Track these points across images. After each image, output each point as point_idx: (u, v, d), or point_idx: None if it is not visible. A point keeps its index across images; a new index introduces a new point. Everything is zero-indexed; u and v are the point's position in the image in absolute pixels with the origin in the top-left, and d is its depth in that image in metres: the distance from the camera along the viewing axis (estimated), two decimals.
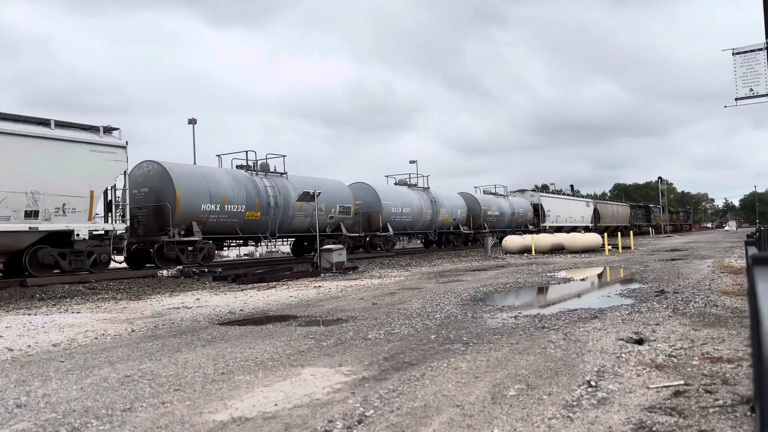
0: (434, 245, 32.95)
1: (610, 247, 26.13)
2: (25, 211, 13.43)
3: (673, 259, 18.28)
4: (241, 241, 22.28)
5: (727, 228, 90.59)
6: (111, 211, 15.57)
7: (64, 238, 14.50)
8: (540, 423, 3.44)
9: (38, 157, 13.74)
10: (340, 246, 18.67)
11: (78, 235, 14.55)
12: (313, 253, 21.78)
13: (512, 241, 26.93)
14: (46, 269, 14.51)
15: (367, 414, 3.71)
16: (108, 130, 15.78)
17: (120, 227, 15.60)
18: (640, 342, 5.59)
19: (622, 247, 26.98)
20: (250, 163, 21.82)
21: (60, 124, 14.68)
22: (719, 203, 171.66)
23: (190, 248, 18.17)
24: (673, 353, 5.07)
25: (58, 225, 14.10)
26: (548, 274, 14.50)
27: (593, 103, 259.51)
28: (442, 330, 6.71)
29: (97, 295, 12.56)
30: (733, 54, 16.02)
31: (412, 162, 41.99)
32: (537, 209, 42.86)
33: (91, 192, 14.75)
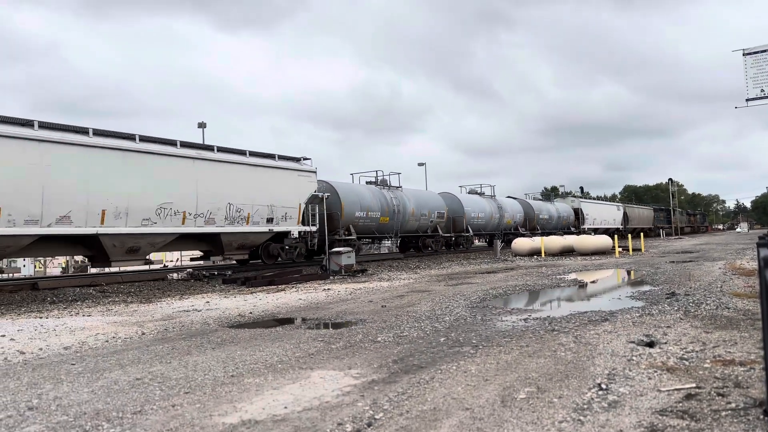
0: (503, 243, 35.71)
1: (620, 249, 25.98)
2: (267, 218, 19.42)
3: (684, 261, 18.15)
4: (370, 240, 28.67)
5: (738, 229, 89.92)
6: (307, 218, 21.40)
7: (282, 236, 20.31)
8: (550, 426, 3.43)
9: (272, 181, 19.73)
10: (349, 249, 18.69)
11: (292, 234, 20.52)
12: (411, 249, 29.42)
13: (521, 243, 26.85)
14: (271, 258, 20.34)
15: (376, 417, 3.71)
16: (304, 159, 21.45)
17: (313, 229, 21.46)
18: (651, 345, 5.55)
19: (633, 249, 26.82)
20: (376, 179, 27.68)
21: (281, 157, 20.62)
22: (730, 205, 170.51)
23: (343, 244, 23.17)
24: (685, 356, 5.04)
25: (282, 227, 20.02)
26: (558, 277, 14.44)
27: (601, 105, 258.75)
28: (451, 333, 6.70)
29: (108, 298, 12.64)
30: (743, 54, 15.92)
31: (420, 164, 42.28)
32: (577, 213, 47.68)
33: (299, 204, 20.78)
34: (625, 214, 57.23)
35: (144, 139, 15.98)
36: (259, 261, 20.30)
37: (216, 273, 18.10)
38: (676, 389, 4.06)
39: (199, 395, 4.39)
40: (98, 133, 14.96)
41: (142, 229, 15.56)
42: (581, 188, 73.08)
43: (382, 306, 9.48)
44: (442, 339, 6.33)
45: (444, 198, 31.89)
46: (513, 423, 3.50)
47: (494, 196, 37.09)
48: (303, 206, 21.02)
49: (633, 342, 5.71)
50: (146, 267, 25.06)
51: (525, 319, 7.53)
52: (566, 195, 52.79)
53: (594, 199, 60.41)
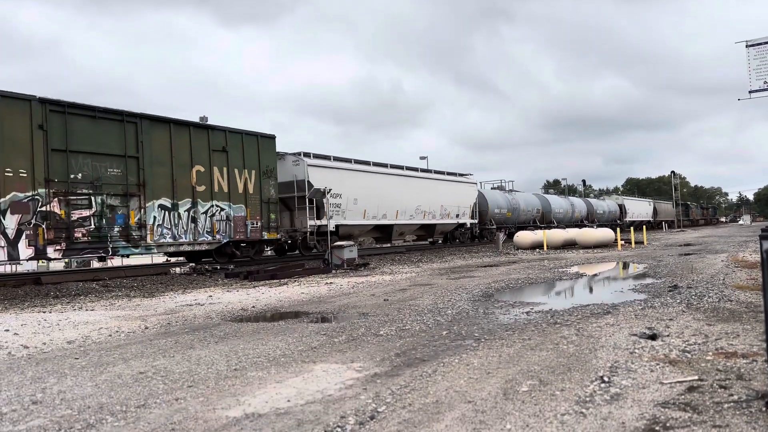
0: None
1: (622, 242, 25.94)
2: (455, 214, 30.75)
3: (686, 254, 18.14)
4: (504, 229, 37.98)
5: (741, 222, 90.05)
6: (474, 214, 32.53)
7: (461, 226, 31.72)
8: (552, 419, 3.43)
9: (458, 190, 31.17)
10: (351, 243, 18.70)
11: (467, 225, 32.18)
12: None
13: (524, 236, 26.82)
14: (454, 240, 31.94)
15: (379, 410, 3.72)
16: (469, 175, 33.23)
17: (475, 221, 32.82)
18: (653, 337, 5.55)
19: (635, 242, 26.78)
20: (500, 185, 41.05)
21: (460, 174, 32.41)
22: (733, 197, 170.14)
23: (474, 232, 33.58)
24: (687, 348, 5.04)
25: (462, 220, 31.47)
26: (560, 270, 14.44)
27: (603, 98, 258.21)
28: (453, 326, 6.71)
29: (111, 293, 12.67)
30: (747, 46, 15.85)
31: (422, 158, 42.45)
32: (621, 209, 56.45)
33: (470, 205, 32.22)
34: (654, 208, 67.77)
35: (409, 168, 28.44)
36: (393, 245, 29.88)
37: (218, 267, 18.14)
38: (679, 382, 4.06)
39: (202, 389, 4.41)
40: (392, 165, 26.96)
41: (409, 221, 27.24)
42: (583, 181, 73.26)
43: (385, 299, 9.49)
44: (445, 332, 6.34)
45: (539, 198, 42.80)
46: (515, 415, 3.51)
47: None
48: (472, 206, 32.42)
49: (635, 335, 5.72)
50: (148, 261, 25.13)
51: (527, 312, 7.54)
52: (611, 193, 69.75)
53: (633, 196, 73.99)
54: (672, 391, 3.86)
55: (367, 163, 25.38)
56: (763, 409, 3.43)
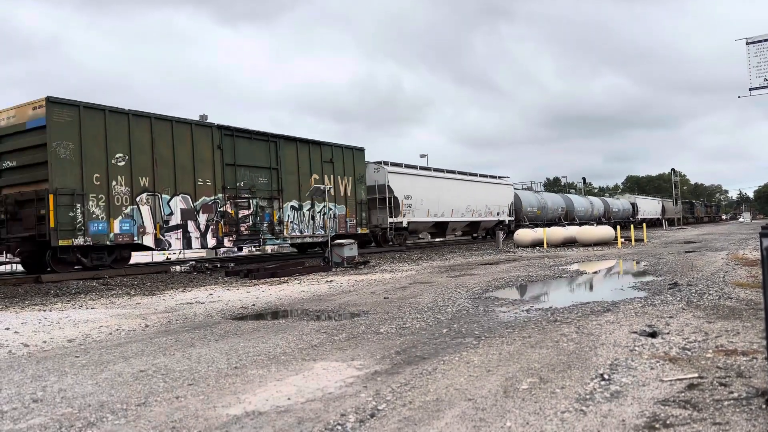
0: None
1: (622, 239, 25.92)
2: (496, 212, 34.79)
3: (686, 252, 18.14)
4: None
5: (741, 219, 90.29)
6: (511, 211, 36.90)
7: (500, 223, 35.22)
8: (553, 416, 3.44)
9: (498, 191, 35.49)
10: (351, 240, 18.70)
11: (505, 221, 36.00)
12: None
13: (524, 234, 26.79)
14: (488, 235, 35.65)
15: (379, 408, 3.72)
16: (506, 177, 38.36)
17: (512, 218, 36.78)
18: (653, 335, 5.56)
19: (635, 240, 26.76)
20: (530, 186, 47.39)
21: (499, 177, 37.04)
22: (733, 195, 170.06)
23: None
24: (687, 346, 5.04)
25: (501, 218, 35.40)
26: (560, 268, 14.44)
27: (602, 96, 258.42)
28: (453, 324, 6.71)
29: (111, 291, 12.67)
30: (747, 43, 15.82)
31: (422, 156, 42.66)
32: (634, 207, 60.50)
33: (508, 204, 36.32)
34: (663, 206, 71.82)
35: (461, 172, 32.35)
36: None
37: (218, 265, 18.14)
38: (679, 379, 4.06)
39: (202, 387, 4.41)
40: (448, 171, 31.18)
41: (460, 218, 31.52)
42: (583, 179, 73.47)
43: (385, 297, 9.50)
44: (445, 330, 6.34)
45: (563, 198, 46.69)
46: (515, 413, 3.52)
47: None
48: (509, 205, 36.80)
49: (635, 332, 5.72)
50: (149, 260, 25.12)
51: (527, 310, 7.54)
52: (624, 192, 74.55)
53: (645, 195, 77.21)
54: (672, 389, 3.86)
55: (428, 168, 30.44)
56: (763, 406, 3.43)
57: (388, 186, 25.57)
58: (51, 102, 14.13)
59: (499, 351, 5.18)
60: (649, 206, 66.61)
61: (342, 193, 22.86)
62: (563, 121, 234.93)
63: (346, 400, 3.90)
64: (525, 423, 3.35)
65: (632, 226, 31.38)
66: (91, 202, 14.70)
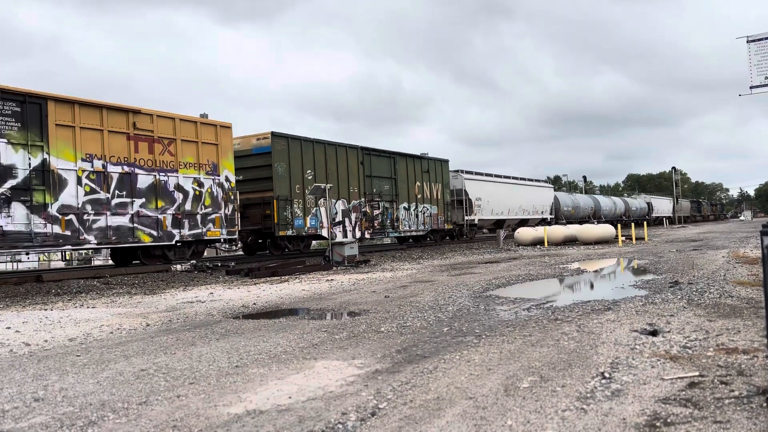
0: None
1: (623, 238, 25.90)
2: (540, 211, 40.24)
3: (687, 250, 18.13)
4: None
5: (742, 218, 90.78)
6: (553, 210, 42.30)
7: (544, 220, 40.21)
8: (554, 415, 3.44)
9: (541, 193, 41.51)
10: (352, 239, 18.71)
11: (547, 219, 40.81)
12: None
13: (525, 233, 26.75)
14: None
15: (380, 406, 3.72)
16: (546, 181, 48.14)
17: (552, 216, 41.87)
18: (654, 333, 5.56)
19: (636, 238, 26.74)
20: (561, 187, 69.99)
21: (543, 181, 45.37)
22: (734, 193, 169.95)
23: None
24: (688, 344, 5.04)
25: (543, 216, 40.64)
26: (561, 266, 14.44)
27: (602, 94, 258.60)
28: (454, 322, 6.71)
29: (112, 290, 12.68)
30: (747, 41, 15.80)
31: (423, 154, 43.41)
32: (649, 206, 65.78)
33: (550, 204, 41.73)
34: (673, 205, 76.51)
35: (515, 177, 39.25)
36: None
37: (219, 264, 18.14)
38: (679, 378, 4.06)
39: (203, 386, 4.41)
40: (505, 176, 37.62)
41: (514, 216, 37.04)
42: (584, 177, 73.71)
43: (385, 296, 9.50)
44: (446, 329, 6.34)
45: (591, 198, 53.07)
46: (516, 412, 3.52)
47: (611, 195, 59.90)
48: (551, 205, 42.30)
49: (636, 331, 5.72)
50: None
51: (528, 309, 7.54)
52: (639, 193, 78.96)
53: (659, 195, 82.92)
54: (673, 387, 3.87)
55: (491, 175, 36.41)
56: (764, 404, 3.43)
57: (464, 190, 31.89)
58: (274, 135, 20.43)
59: (500, 350, 5.18)
60: (663, 205, 72.98)
61: (435, 196, 29.23)
62: (563, 119, 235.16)
63: (347, 399, 3.91)
64: (526, 421, 3.35)
65: (619, 225, 35.94)
66: (294, 205, 20.73)
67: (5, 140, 13.05)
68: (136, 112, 15.91)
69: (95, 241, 14.96)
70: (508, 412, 3.53)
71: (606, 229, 26.19)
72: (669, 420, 3.28)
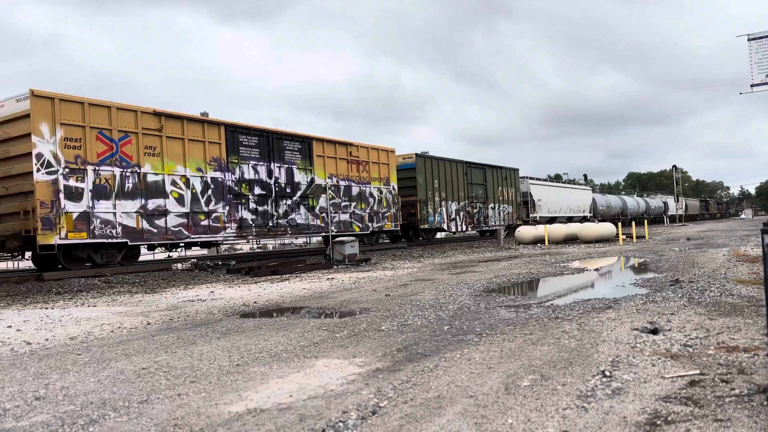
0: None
1: (624, 236, 25.88)
2: (582, 209, 47.56)
3: (688, 248, 18.12)
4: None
5: (742, 216, 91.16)
6: (592, 209, 50.17)
7: (584, 218, 45.51)
8: (554, 413, 3.44)
9: (584, 195, 50.07)
10: (353, 238, 18.71)
11: (587, 217, 47.53)
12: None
13: (525, 231, 26.71)
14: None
15: (381, 405, 3.72)
16: (585, 184, 65.65)
17: (591, 215, 48.47)
18: (654, 332, 5.56)
19: (637, 237, 26.72)
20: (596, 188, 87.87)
21: (579, 183, 62.65)
22: (735, 191, 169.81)
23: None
24: (689, 343, 5.04)
25: (584, 214, 47.63)
26: (561, 265, 14.44)
27: (602, 93, 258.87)
28: (455, 321, 6.72)
29: (113, 289, 12.69)
30: (748, 40, 15.79)
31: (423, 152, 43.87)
32: (666, 205, 72.68)
33: (589, 204, 49.22)
34: (685, 204, 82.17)
35: (561, 180, 54.23)
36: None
37: (220, 263, 18.15)
38: (680, 376, 4.06)
39: (204, 384, 4.42)
40: (557, 181, 54.00)
41: (563, 214, 43.09)
42: (585, 176, 73.76)
43: (386, 295, 9.50)
44: (446, 327, 6.34)
45: (620, 198, 60.40)
46: (517, 410, 3.52)
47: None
48: (590, 205, 49.00)
49: (637, 329, 5.72)
50: (150, 257, 25.13)
51: (528, 307, 7.54)
52: (656, 193, 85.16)
53: (671, 195, 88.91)
54: (673, 386, 3.87)
55: (545, 179, 47.42)
56: (765, 403, 3.43)
57: (530, 192, 39.68)
58: (417, 155, 27.95)
59: (501, 348, 5.18)
60: (673, 204, 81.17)
61: (509, 198, 36.78)
62: (563, 118, 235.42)
63: (348, 398, 3.91)
64: (526, 420, 3.35)
65: (666, 218, 43.40)
66: (428, 206, 28.27)
67: (295, 166, 21.05)
68: (351, 144, 23.83)
69: (335, 230, 22.21)
70: (509, 410, 3.53)
71: (606, 228, 26.15)
72: (670, 418, 3.28)
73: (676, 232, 35.00)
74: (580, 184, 54.87)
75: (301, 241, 35.67)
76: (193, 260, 18.10)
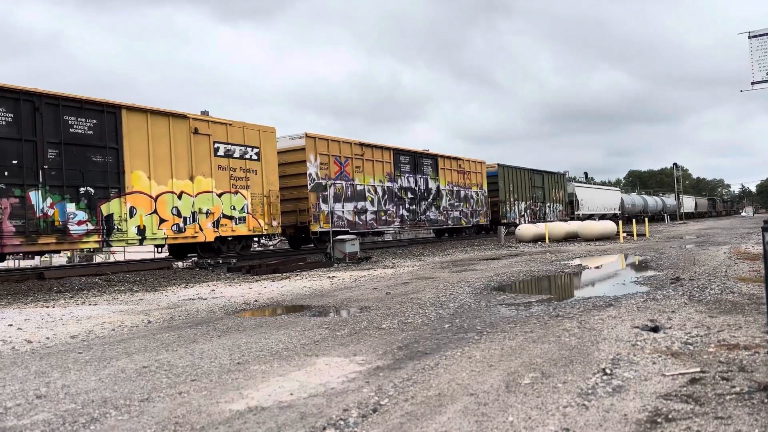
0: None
1: (624, 234, 25.85)
2: (611, 207, 54.20)
3: (688, 246, 18.11)
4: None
5: (743, 214, 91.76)
6: (620, 208, 58.20)
7: (614, 215, 53.07)
8: (555, 411, 3.44)
9: (614, 195, 58.44)
10: (353, 236, 18.71)
11: (616, 214, 54.05)
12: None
13: (526, 229, 26.66)
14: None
15: (381, 403, 3.73)
16: (615, 185, 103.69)
17: (620, 212, 56.35)
18: (655, 329, 5.56)
19: (637, 235, 26.70)
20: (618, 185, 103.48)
21: (611, 184, 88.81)
22: (735, 189, 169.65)
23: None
24: (689, 340, 5.04)
25: (614, 212, 54.44)
26: (562, 263, 14.44)
27: (602, 91, 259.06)
28: (455, 319, 6.72)
29: (114, 287, 12.70)
30: (749, 37, 15.76)
31: (424, 150, 44.11)
32: (679, 203, 78.42)
33: (618, 203, 56.77)
34: (696, 202, 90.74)
35: (596, 182, 76.33)
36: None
37: (221, 261, 18.15)
38: (681, 374, 4.07)
39: (205, 382, 4.42)
40: (589, 182, 70.20)
41: (598, 212, 49.55)
42: (585, 174, 73.85)
43: (387, 293, 9.50)
44: (447, 325, 6.34)
45: (642, 198, 66.70)
46: (518, 408, 3.52)
47: (626, 192, 72.40)
48: (619, 204, 54.79)
49: (637, 327, 5.72)
50: (152, 256, 25.18)
51: (529, 305, 7.54)
52: (670, 193, 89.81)
53: (635, 189, 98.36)
54: (674, 383, 3.87)
55: (583, 181, 54.90)
56: (765, 400, 3.43)
57: (575, 193, 46.30)
58: (499, 165, 34.62)
59: (501, 346, 5.18)
60: (688, 203, 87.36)
61: (560, 198, 42.81)
62: (563, 116, 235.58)
63: (349, 396, 3.91)
64: (527, 417, 3.35)
65: (666, 216, 48.38)
66: (506, 205, 34.88)
67: (429, 177, 28.07)
68: (460, 159, 31.19)
69: (451, 224, 29.94)
70: (510, 408, 3.53)
71: (607, 226, 26.08)
72: (670, 416, 3.28)
73: (677, 230, 34.97)
74: (613, 185, 64.42)
75: None
76: (193, 258, 18.10)
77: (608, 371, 4.19)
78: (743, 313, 6.20)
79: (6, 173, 12.89)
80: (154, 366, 5.03)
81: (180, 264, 17.50)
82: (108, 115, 14.76)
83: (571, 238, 26.25)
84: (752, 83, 15.80)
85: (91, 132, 14.46)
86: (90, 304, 9.86)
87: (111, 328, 7.17)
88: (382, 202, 24.74)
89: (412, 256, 19.61)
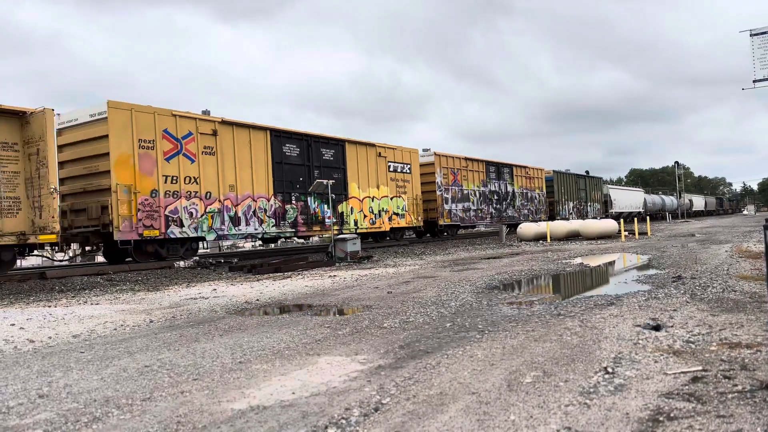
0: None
1: (626, 233, 25.82)
2: (635, 206, 59.65)
3: (690, 245, 18.10)
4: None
5: (745, 212, 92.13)
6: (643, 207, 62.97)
7: (638, 213, 55.77)
8: (557, 410, 3.44)
9: (637, 194, 64.85)
10: (355, 235, 18.72)
11: (640, 212, 57.91)
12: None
13: (527, 228, 26.66)
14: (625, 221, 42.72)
15: (383, 402, 3.73)
16: (637, 186, 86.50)
17: (643, 210, 61.67)
18: (657, 328, 5.55)
19: (639, 233, 26.67)
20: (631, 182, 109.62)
21: (635, 185, 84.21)
22: (737, 187, 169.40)
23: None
24: (691, 339, 5.04)
25: (638, 210, 60.03)
26: (563, 261, 14.43)
27: (602, 90, 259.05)
28: (457, 318, 6.72)
29: (115, 287, 12.71)
30: (751, 35, 15.73)
31: (425, 150, 43.12)
32: (690, 202, 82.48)
33: (641, 202, 62.80)
34: (705, 201, 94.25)
35: (621, 183, 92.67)
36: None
37: (222, 261, 18.18)
38: (683, 372, 4.06)
39: (207, 382, 4.43)
40: (618, 182, 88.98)
41: (626, 210, 54.43)
42: (587, 171, 73.78)
43: (388, 292, 9.51)
44: (448, 324, 6.35)
45: (660, 197, 71.29)
46: (519, 407, 3.52)
47: (674, 193, 76.54)
48: (642, 202, 59.86)
49: (639, 325, 5.72)
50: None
51: (531, 304, 7.54)
52: (682, 192, 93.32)
53: (695, 194, 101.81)
54: (676, 382, 3.87)
55: (614, 182, 68.53)
56: (767, 398, 3.43)
57: (608, 194, 52.02)
58: (554, 171, 41.99)
59: (503, 345, 5.18)
60: (699, 202, 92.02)
61: (598, 198, 48.85)
62: (563, 115, 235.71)
63: (351, 395, 3.92)
64: (529, 416, 3.35)
65: (622, 220, 52.93)
66: (559, 205, 41.42)
67: (507, 182, 35.42)
68: (527, 167, 37.73)
69: (522, 220, 34.98)
70: (511, 407, 3.53)
71: (608, 224, 26.04)
72: (672, 414, 3.28)
73: (679, 228, 34.92)
74: (638, 186, 74.35)
75: None
76: (195, 258, 18.12)
77: (610, 370, 4.18)
78: (745, 312, 6.20)
79: (298, 186, 20.90)
80: (156, 365, 5.04)
81: (182, 263, 17.51)
82: (339, 147, 22.88)
83: (573, 236, 26.23)
84: (754, 81, 15.78)
85: (332, 158, 22.61)
86: (92, 304, 9.87)
87: (113, 328, 7.18)
88: (479, 203, 32.83)
89: (414, 255, 19.61)
